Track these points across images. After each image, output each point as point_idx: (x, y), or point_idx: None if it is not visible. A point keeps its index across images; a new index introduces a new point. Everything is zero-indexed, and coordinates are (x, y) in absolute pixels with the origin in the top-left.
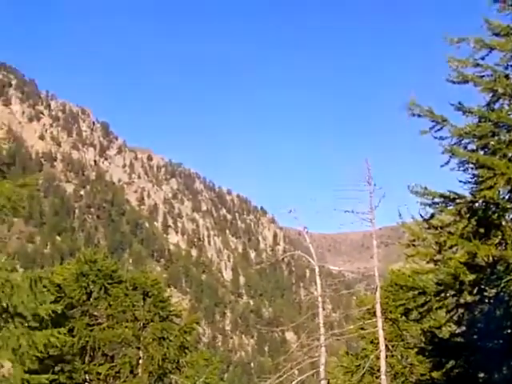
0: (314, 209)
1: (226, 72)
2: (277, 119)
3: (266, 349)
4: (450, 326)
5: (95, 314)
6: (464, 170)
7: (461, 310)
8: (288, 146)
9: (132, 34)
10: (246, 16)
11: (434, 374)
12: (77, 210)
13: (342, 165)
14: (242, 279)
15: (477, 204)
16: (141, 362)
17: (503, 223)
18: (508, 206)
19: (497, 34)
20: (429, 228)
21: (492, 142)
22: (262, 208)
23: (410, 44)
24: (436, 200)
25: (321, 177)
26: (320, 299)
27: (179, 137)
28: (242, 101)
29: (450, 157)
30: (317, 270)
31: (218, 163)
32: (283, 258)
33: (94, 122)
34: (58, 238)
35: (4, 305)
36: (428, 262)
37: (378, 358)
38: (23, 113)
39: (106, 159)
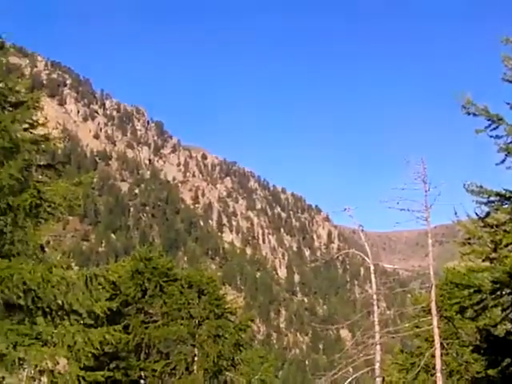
0: (369, 207)
1: (278, 71)
2: (330, 118)
3: (321, 346)
4: (505, 324)
5: (150, 311)
6: None
7: None
8: (342, 144)
9: (182, 35)
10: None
11: (490, 372)
12: (131, 209)
13: (397, 163)
14: (296, 277)
15: None
16: (196, 359)
17: None
18: None
19: None
20: (484, 226)
21: None
22: (316, 206)
23: (464, 42)
24: (492, 198)
25: (376, 175)
26: (375, 297)
27: (234, 135)
28: (294, 99)
29: (506, 155)
30: (372, 268)
31: (273, 162)
32: (338, 256)
33: (148, 121)
34: (112, 236)
35: (60, 302)
36: (483, 260)
37: (433, 355)
38: (78, 112)
39: (160, 158)
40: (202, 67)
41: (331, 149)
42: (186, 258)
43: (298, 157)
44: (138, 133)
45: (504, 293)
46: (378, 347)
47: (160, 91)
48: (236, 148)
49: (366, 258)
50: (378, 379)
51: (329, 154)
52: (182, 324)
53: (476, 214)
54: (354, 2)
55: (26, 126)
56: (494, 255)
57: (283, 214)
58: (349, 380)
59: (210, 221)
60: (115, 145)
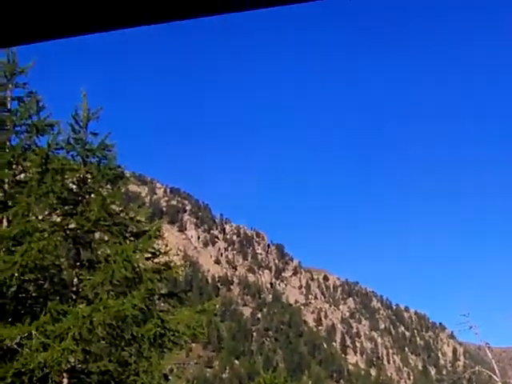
0: (493, 323)
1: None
2: (450, 236)
3: None
4: None
5: None
6: None
7: None
8: (461, 257)
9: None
10: None
11: None
12: (254, 333)
13: None
14: None
15: None
16: None
17: None
18: None
19: None
20: None
21: None
22: (440, 324)
23: None
24: None
25: (499, 288)
26: None
27: (354, 256)
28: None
29: None
30: None
31: (395, 280)
32: (464, 375)
33: (268, 245)
34: (236, 362)
35: None
36: None
37: None
38: (198, 238)
39: (282, 281)
40: (316, 188)
41: (451, 264)
42: (310, 382)
43: (420, 274)
44: (259, 256)
45: None
46: None
47: (279, 214)
48: (357, 267)
49: (493, 376)
50: None
51: (450, 268)
52: None
53: None
54: None
55: (148, 255)
56: None
57: (407, 333)
58: None
59: (333, 343)
60: (236, 269)
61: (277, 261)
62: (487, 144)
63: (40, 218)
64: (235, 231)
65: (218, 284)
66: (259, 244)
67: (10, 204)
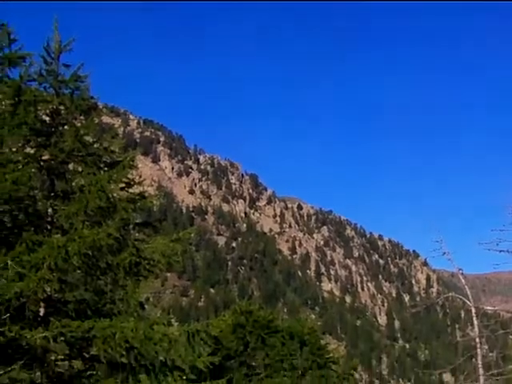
0: (467, 249)
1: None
2: (425, 168)
3: None
4: None
5: (253, 364)
6: None
7: None
8: (435, 188)
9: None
10: None
11: None
12: (229, 262)
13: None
14: (396, 323)
15: None
16: None
17: None
18: None
19: None
20: None
21: None
22: (414, 251)
23: None
24: None
25: (474, 217)
26: (477, 340)
27: (329, 184)
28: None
29: None
30: (473, 311)
31: (369, 209)
32: (438, 301)
33: (242, 175)
34: (211, 290)
35: (162, 359)
36: None
37: None
38: (172, 168)
39: (256, 210)
40: (289, 117)
41: (425, 192)
42: (285, 309)
43: (394, 203)
44: (233, 186)
45: None
46: None
47: (253, 144)
48: (331, 196)
49: (466, 301)
50: None
51: (423, 197)
52: (284, 375)
53: None
54: None
55: (122, 185)
56: None
57: (381, 261)
58: None
59: (307, 271)
60: (210, 199)
61: (251, 190)
62: None
63: (14, 149)
64: (209, 161)
65: (193, 214)
66: (233, 174)
67: None
